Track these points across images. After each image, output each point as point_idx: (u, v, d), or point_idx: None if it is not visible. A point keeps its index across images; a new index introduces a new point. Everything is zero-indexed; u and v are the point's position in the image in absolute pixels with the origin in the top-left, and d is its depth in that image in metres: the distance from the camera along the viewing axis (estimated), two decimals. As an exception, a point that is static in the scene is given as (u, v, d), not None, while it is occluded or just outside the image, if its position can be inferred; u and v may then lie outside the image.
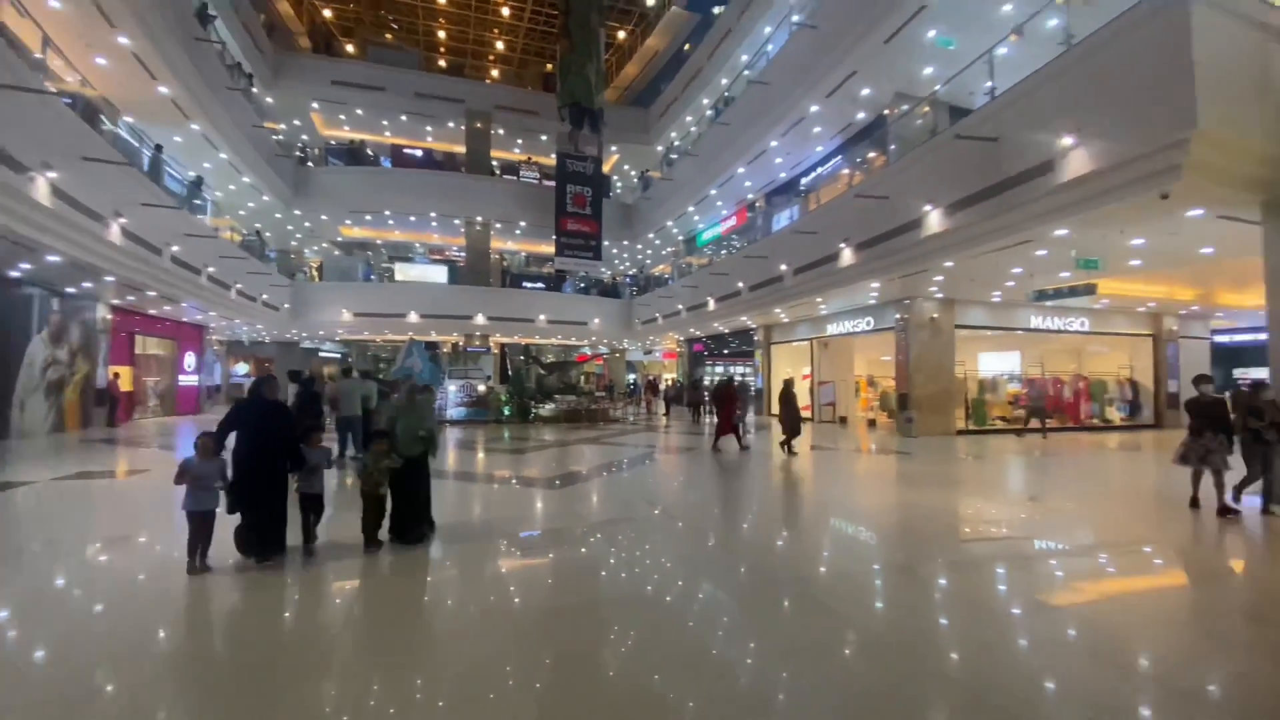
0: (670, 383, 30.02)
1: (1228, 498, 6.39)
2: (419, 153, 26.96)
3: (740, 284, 18.18)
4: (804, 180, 18.84)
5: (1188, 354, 17.68)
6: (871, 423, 18.02)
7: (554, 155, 24.47)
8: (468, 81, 26.89)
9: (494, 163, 27.28)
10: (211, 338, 23.96)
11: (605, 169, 28.16)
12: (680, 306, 23.16)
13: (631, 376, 38.37)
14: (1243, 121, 6.38)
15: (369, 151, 26.27)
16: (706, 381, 24.91)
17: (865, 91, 14.24)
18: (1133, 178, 6.90)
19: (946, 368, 14.78)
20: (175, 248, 14.15)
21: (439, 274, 26.55)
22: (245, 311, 19.64)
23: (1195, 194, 7.07)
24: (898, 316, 14.84)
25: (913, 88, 13.65)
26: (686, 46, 25.08)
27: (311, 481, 4.86)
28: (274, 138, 22.00)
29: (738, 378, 20.23)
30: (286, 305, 22.67)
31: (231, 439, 4.63)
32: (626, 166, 30.38)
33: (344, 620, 3.72)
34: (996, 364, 18.06)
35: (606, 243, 25.85)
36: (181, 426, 16.36)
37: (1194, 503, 6.63)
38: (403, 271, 26.55)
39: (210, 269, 16.22)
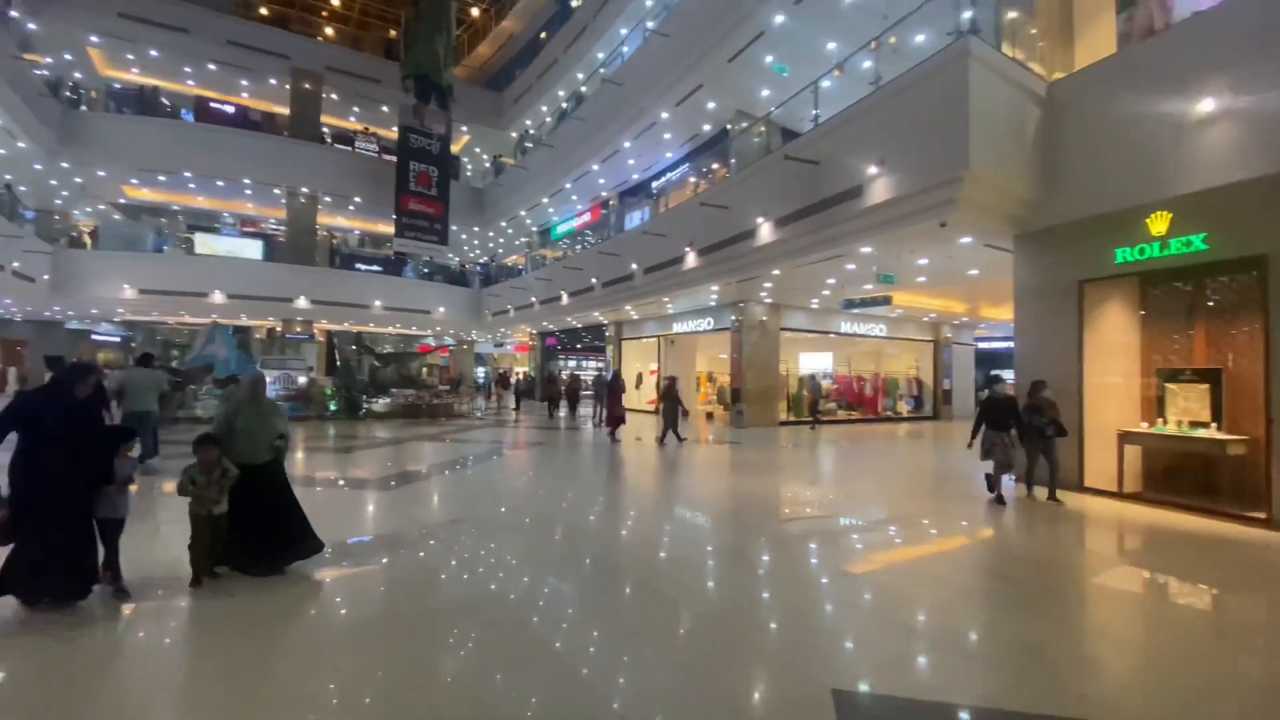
0: (521, 376, 29.49)
1: (1004, 485, 7.17)
2: (231, 109, 23.41)
3: (594, 280, 18.39)
4: (655, 183, 19.55)
5: (958, 358, 21.40)
6: (709, 415, 19.28)
7: (396, 128, 22.71)
8: (295, 36, 23.82)
9: (325, 129, 24.62)
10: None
11: (454, 149, 26.78)
12: (534, 299, 22.83)
13: (481, 370, 37.07)
14: (1003, 166, 7.72)
15: (165, 101, 22.26)
16: (564, 375, 24.89)
17: (711, 105, 15.13)
18: (921, 207, 8.13)
19: (772, 366, 16.32)
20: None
21: (252, 249, 23.34)
22: (-17, 282, 15.66)
23: (966, 224, 8.55)
24: (733, 318, 16.04)
25: (752, 107, 14.78)
26: (543, 35, 24.66)
27: (116, 503, 3.81)
28: (38, 72, 17.71)
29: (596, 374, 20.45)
30: (46, 276, 18.41)
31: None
32: (478, 149, 29.14)
33: (173, 679, 3.15)
34: (813, 363, 20.30)
35: (455, 227, 24.60)
36: None
37: (998, 498, 7.05)
38: (206, 244, 22.87)
39: (-67, 227, 12.68)
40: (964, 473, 8.70)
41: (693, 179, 16.86)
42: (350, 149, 24.91)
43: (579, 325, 25.18)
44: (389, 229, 23.31)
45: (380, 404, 17.76)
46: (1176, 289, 7.46)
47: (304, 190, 22.92)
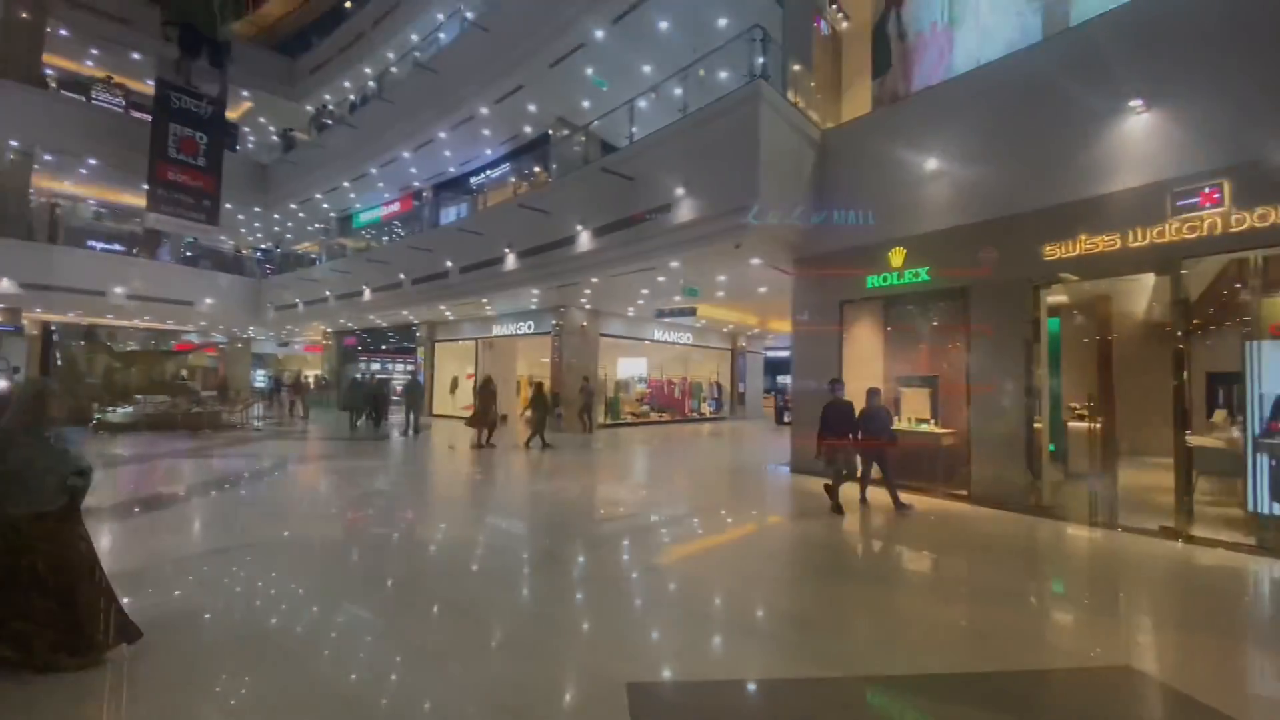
0: (313, 380, 26.29)
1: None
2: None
3: (402, 275, 17.12)
4: (475, 179, 18.86)
5: (751, 365, 24.01)
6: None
7: (151, 82, 18.87)
8: (0, -55, 18.55)
9: (48, 71, 19.56)
10: None
11: (232, 116, 23.08)
12: (329, 293, 20.53)
13: (261, 373, 32.34)
14: (784, 198, 8.89)
15: None
16: (370, 379, 22.65)
17: (532, 108, 15.05)
18: (719, 229, 8.99)
19: (592, 370, 16.72)
20: None
21: (-78, 212, 17.65)
22: None
23: (755, 248, 9.65)
24: (554, 323, 16.13)
25: (573, 115, 15.03)
26: (349, 4, 22.39)
27: None
28: None
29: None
30: None
31: None
32: (263, 119, 25.35)
33: None
34: (630, 368, 21.26)
35: (229, 205, 21.18)
36: None
37: (837, 507, 7.01)
38: None
39: None
40: (758, 468, 9.75)
41: (513, 179, 16.62)
42: (84, 99, 20.13)
43: (384, 325, 23.26)
44: (139, 200, 19.26)
45: (119, 413, 14.59)
46: (909, 311, 9.21)
47: (12, 144, 17.91)
